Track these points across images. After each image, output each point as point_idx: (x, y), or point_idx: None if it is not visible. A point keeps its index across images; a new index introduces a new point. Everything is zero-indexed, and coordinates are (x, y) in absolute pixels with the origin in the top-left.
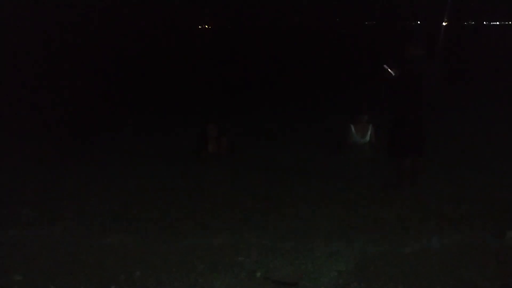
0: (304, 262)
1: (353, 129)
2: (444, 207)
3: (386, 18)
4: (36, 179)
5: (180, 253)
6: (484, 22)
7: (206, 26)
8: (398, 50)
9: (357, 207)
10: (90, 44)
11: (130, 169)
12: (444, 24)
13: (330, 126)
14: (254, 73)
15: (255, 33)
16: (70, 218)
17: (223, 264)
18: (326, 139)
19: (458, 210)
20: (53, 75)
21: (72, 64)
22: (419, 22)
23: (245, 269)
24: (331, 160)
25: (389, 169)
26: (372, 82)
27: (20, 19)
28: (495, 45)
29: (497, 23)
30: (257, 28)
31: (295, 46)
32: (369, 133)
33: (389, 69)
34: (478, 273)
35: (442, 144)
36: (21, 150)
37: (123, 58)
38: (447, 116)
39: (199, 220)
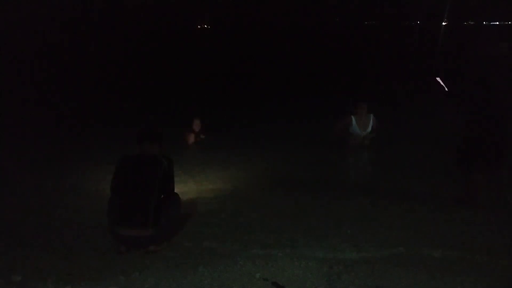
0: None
1: (354, 120)
2: None
3: (386, 18)
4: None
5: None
6: (484, 22)
7: (205, 26)
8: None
9: None
10: (88, 43)
11: None
12: (444, 24)
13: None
14: (253, 73)
15: (253, 33)
16: None
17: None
18: (319, 140)
19: None
20: (47, 75)
21: (70, 63)
22: (418, 22)
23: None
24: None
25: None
26: (371, 83)
27: (20, 18)
28: (496, 45)
29: (497, 23)
30: (256, 28)
31: (294, 46)
32: (370, 125)
33: (441, 82)
34: None
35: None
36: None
37: (122, 57)
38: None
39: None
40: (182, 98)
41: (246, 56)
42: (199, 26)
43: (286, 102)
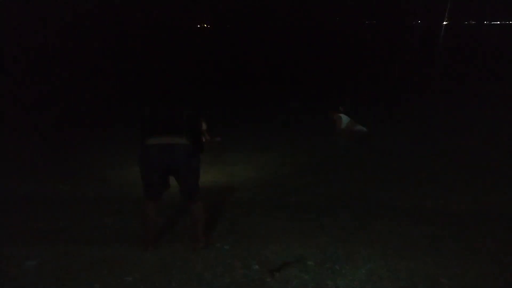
0: None
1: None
2: None
3: (386, 17)
4: None
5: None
6: (485, 22)
7: (206, 26)
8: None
9: None
10: (89, 43)
11: None
12: (444, 23)
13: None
14: (253, 72)
15: (254, 32)
16: None
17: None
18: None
19: None
20: (47, 72)
21: (69, 62)
22: (419, 22)
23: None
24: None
25: None
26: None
27: (19, 18)
28: (496, 45)
29: (498, 22)
30: (256, 27)
31: (295, 45)
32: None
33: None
34: None
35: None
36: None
37: (122, 56)
38: (448, 116)
39: None
40: (183, 98)
41: (246, 55)
42: (199, 26)
43: (286, 102)
